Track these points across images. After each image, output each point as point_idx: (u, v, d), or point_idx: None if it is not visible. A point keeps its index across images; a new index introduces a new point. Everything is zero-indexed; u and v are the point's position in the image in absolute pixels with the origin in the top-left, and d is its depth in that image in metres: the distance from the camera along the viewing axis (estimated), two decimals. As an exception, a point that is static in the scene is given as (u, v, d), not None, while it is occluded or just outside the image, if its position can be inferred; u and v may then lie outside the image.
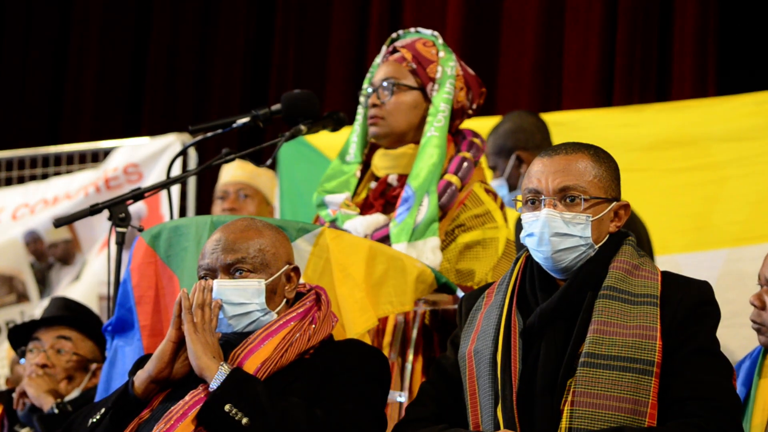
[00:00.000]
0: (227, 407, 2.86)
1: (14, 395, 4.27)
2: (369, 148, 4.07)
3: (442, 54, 3.95)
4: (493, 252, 3.81)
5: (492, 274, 3.76)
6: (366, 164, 4.06)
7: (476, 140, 3.98)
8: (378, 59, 4.04)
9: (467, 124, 4.09)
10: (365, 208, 3.95)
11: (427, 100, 3.92)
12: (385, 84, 3.91)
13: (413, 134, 3.94)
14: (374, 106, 3.92)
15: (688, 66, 6.45)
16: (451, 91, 3.91)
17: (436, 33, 4.02)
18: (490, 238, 3.83)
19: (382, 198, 3.94)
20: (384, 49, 4.04)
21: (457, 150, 3.93)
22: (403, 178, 3.92)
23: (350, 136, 4.06)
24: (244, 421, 2.85)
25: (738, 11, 6.56)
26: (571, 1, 6.87)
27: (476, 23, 7.17)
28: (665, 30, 6.61)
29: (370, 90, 3.96)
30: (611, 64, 6.70)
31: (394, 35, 4.06)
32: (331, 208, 3.94)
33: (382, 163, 3.97)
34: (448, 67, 3.93)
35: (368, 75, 4.05)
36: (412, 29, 4.07)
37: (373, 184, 4.00)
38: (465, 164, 3.88)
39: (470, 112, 4.02)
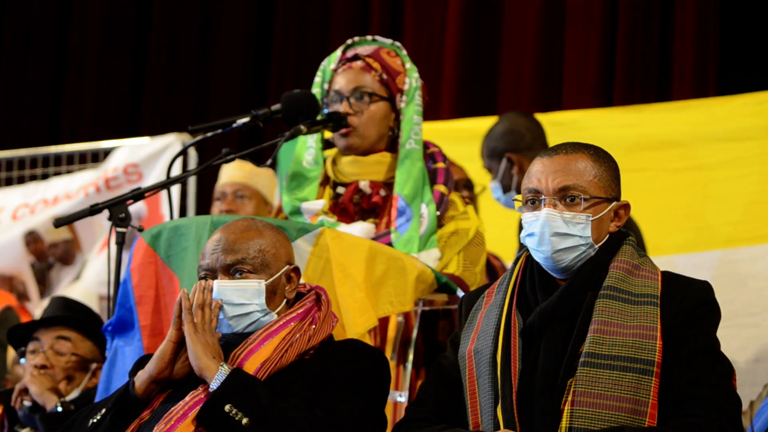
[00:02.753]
0: (227, 407, 2.86)
1: (14, 393, 4.27)
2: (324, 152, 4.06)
3: (408, 65, 3.96)
4: (463, 238, 3.87)
5: (464, 254, 3.82)
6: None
7: (439, 149, 4.02)
8: (331, 64, 3.98)
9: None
10: (337, 214, 3.93)
11: (394, 110, 3.93)
12: (356, 93, 3.90)
13: (381, 144, 3.95)
14: (346, 114, 3.90)
15: (688, 66, 6.45)
16: (420, 102, 3.94)
17: (398, 43, 4.01)
18: (462, 228, 3.89)
19: (352, 204, 3.94)
20: (339, 54, 3.98)
21: (429, 160, 3.95)
22: (377, 186, 3.91)
23: (305, 140, 4.03)
24: (245, 421, 2.85)
25: (738, 11, 6.56)
26: (571, 1, 6.87)
27: (477, 23, 7.18)
28: (665, 30, 6.61)
29: (335, 97, 3.92)
30: (611, 64, 6.71)
31: (350, 41, 4.03)
32: (307, 215, 3.92)
33: (351, 169, 3.95)
34: (413, 78, 3.95)
35: (317, 79, 3.99)
36: (369, 37, 4.06)
37: (340, 189, 3.97)
38: (449, 175, 3.95)
39: None
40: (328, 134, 4.02)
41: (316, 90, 3.97)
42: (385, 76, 3.91)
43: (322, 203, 3.91)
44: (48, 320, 4.36)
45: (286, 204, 3.97)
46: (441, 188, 3.89)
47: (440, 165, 3.95)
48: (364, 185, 3.92)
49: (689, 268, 5.11)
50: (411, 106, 3.92)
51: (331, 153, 4.04)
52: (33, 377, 4.20)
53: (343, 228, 3.81)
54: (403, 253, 3.64)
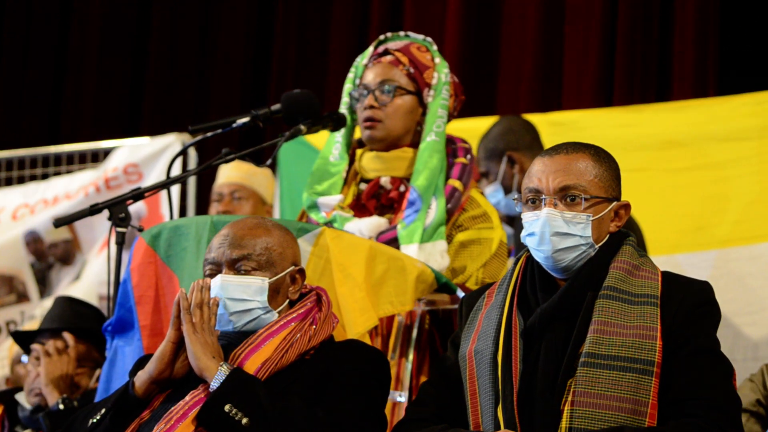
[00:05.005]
0: (227, 407, 2.86)
1: (28, 378, 4.26)
2: (352, 149, 4.07)
3: (437, 60, 3.97)
4: (486, 250, 3.84)
5: (483, 271, 3.79)
6: (348, 164, 4.06)
7: (466, 145, 4.01)
8: (363, 60, 4.01)
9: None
10: (357, 210, 3.94)
11: (421, 104, 3.93)
12: (383, 86, 3.90)
13: (407, 138, 3.95)
14: (371, 107, 3.91)
15: (688, 66, 6.45)
16: (447, 97, 3.93)
17: (429, 39, 4.02)
18: (484, 237, 3.86)
19: (373, 199, 3.94)
20: (371, 50, 4.02)
21: (450, 155, 3.94)
22: (397, 181, 3.92)
23: (333, 136, 4.05)
24: (244, 421, 2.85)
25: (738, 12, 6.56)
26: (571, 1, 6.87)
27: (476, 23, 7.17)
28: (665, 30, 6.61)
29: (363, 91, 3.94)
30: (611, 64, 6.70)
31: (381, 37, 4.05)
32: (324, 210, 3.93)
33: (373, 165, 3.96)
34: (442, 73, 3.95)
35: (350, 75, 4.02)
36: (402, 33, 4.07)
37: (362, 186, 3.98)
38: (466, 170, 3.91)
39: (450, 119, 4.03)
40: (359, 132, 4.03)
41: (348, 85, 4.00)
42: (412, 70, 3.91)
43: (339, 198, 3.92)
44: (49, 330, 4.35)
45: (304, 199, 3.99)
46: (455, 183, 3.87)
47: (460, 160, 3.93)
48: (384, 181, 3.93)
49: (688, 268, 5.11)
50: (437, 100, 3.91)
51: (361, 150, 4.04)
52: (49, 359, 4.18)
53: (355, 222, 3.82)
54: (403, 253, 3.64)
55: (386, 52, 3.96)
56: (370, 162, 3.97)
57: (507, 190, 5.14)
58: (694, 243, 5.33)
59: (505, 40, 7.09)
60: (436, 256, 3.75)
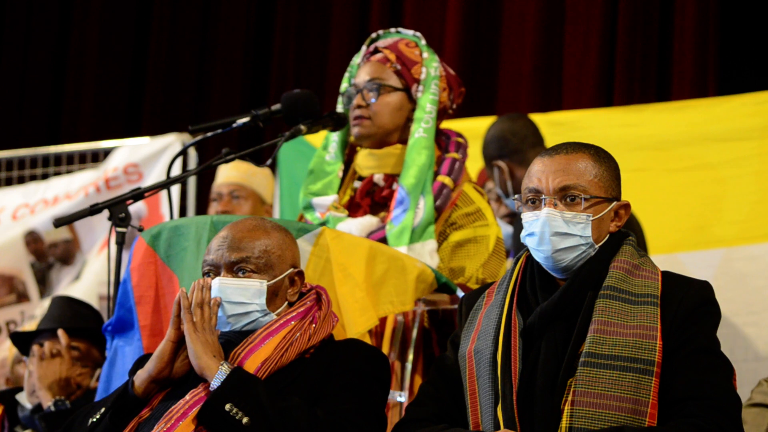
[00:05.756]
0: (228, 406, 2.86)
1: (30, 379, 4.26)
2: (349, 148, 4.08)
3: (425, 55, 3.96)
4: (483, 249, 3.83)
5: (482, 271, 3.79)
6: (347, 164, 4.07)
7: (460, 140, 4.00)
8: (357, 59, 4.04)
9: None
10: (352, 209, 3.95)
11: (411, 101, 3.93)
12: (369, 85, 3.91)
13: (397, 135, 3.96)
14: (359, 106, 3.92)
15: (688, 66, 6.45)
16: (436, 92, 3.92)
17: (418, 34, 4.02)
18: (480, 235, 3.85)
19: (368, 197, 3.95)
20: (364, 49, 4.04)
21: (442, 150, 3.94)
22: (389, 178, 3.92)
23: (330, 135, 4.06)
24: (245, 420, 2.85)
25: (738, 11, 6.57)
26: (571, 1, 6.87)
27: (476, 23, 7.18)
28: (665, 30, 6.61)
29: (353, 90, 3.96)
30: (611, 64, 6.70)
31: (373, 35, 4.06)
32: (318, 210, 3.94)
33: (367, 162, 3.97)
34: (431, 68, 3.94)
35: (347, 75, 4.05)
36: (393, 30, 4.08)
37: (357, 184, 3.99)
38: (456, 165, 3.91)
39: (450, 111, 4.03)
40: None
41: (344, 85, 4.01)
42: (399, 67, 3.92)
43: (333, 198, 3.93)
44: (49, 330, 4.35)
45: (300, 200, 4.00)
46: (443, 179, 3.87)
47: (451, 155, 3.93)
48: (378, 178, 3.94)
49: (689, 267, 5.11)
50: (426, 95, 3.91)
51: (359, 149, 4.05)
52: (42, 363, 4.18)
53: (346, 223, 3.82)
54: (403, 253, 3.64)
55: (376, 51, 3.98)
56: (364, 159, 3.99)
57: (505, 195, 5.17)
58: (694, 242, 5.33)
59: (505, 40, 7.09)
60: (426, 256, 3.75)
